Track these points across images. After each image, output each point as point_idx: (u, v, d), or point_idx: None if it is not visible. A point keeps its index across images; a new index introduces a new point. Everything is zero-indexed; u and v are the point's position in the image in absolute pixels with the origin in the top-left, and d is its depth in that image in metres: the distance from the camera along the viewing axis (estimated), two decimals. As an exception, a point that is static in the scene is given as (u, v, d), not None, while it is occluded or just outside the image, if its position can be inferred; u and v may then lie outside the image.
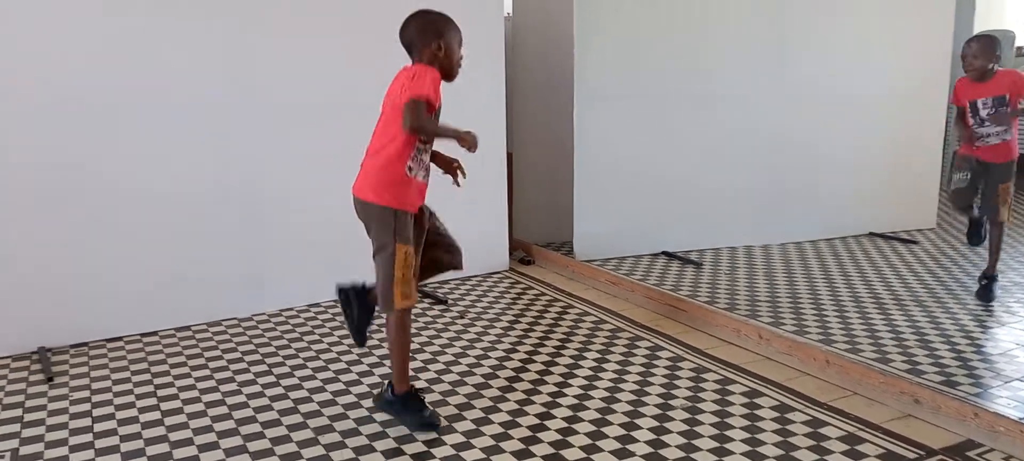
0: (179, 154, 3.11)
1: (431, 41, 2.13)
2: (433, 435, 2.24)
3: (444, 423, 2.31)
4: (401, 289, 2.15)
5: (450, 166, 2.34)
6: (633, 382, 2.62)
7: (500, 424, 2.31)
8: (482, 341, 3.03)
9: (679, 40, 4.22)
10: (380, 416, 2.34)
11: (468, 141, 2.10)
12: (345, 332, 3.09)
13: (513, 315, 3.37)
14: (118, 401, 2.48)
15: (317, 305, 3.45)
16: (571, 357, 2.85)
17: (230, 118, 3.19)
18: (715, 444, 2.19)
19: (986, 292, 3.43)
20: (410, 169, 2.14)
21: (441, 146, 2.32)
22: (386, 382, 2.35)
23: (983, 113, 3.19)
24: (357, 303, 2.34)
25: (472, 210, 3.41)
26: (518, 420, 2.34)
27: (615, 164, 4.17)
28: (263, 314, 3.34)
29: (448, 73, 2.19)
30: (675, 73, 4.23)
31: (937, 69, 4.85)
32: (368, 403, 2.44)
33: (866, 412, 2.39)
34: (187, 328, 3.16)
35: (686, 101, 4.28)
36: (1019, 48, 6.73)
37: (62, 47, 2.85)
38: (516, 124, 4.44)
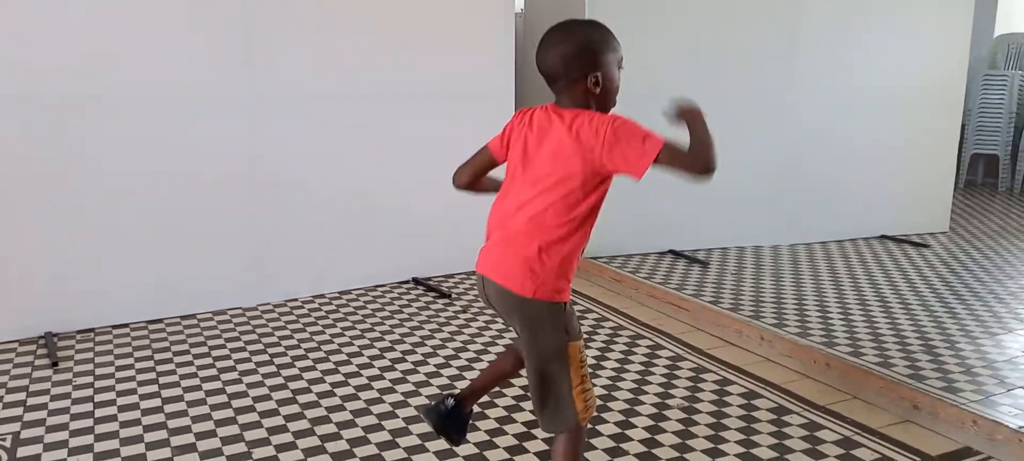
0: (189, 145, 3.14)
1: (588, 72, 1.58)
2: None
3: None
4: (583, 397, 1.63)
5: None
6: (631, 380, 2.62)
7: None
8: (483, 336, 3.04)
9: (692, 35, 4.18)
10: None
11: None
12: (347, 323, 3.13)
13: (516, 311, 3.37)
14: (120, 387, 2.52)
15: (322, 296, 3.47)
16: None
17: (241, 108, 3.22)
18: (709, 445, 2.18)
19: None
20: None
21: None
22: None
23: None
24: (455, 422, 1.91)
25: (473, 206, 3.41)
26: (514, 415, 2.35)
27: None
28: (268, 304, 3.37)
29: (604, 108, 1.68)
30: (687, 68, 4.20)
31: (955, 69, 4.79)
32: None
33: (864, 417, 2.37)
34: (193, 316, 3.20)
35: (696, 97, 4.24)
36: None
37: (80, 44, 2.88)
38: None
